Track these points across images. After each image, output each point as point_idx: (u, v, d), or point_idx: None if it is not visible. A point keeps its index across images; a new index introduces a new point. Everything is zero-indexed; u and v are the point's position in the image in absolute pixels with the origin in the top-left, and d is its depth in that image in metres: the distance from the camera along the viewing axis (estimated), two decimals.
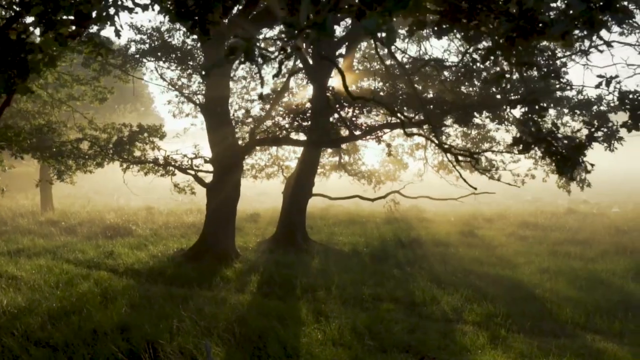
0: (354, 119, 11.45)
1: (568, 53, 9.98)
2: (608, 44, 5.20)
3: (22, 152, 12.55)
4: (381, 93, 11.12)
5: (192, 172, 13.09)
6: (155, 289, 9.77)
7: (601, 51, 7.83)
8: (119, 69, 14.64)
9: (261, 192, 32.43)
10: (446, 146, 10.01)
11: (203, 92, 13.13)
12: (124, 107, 42.94)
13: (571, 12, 2.38)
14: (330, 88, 12.19)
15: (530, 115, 3.57)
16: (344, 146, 20.80)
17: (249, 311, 8.21)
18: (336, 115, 13.04)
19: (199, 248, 12.84)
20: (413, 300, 9.36)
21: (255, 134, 12.79)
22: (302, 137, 13.78)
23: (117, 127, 14.31)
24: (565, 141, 3.66)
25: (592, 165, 4.12)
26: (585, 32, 2.53)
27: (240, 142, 13.61)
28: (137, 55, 14.08)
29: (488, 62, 3.63)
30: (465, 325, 8.11)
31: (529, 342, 7.25)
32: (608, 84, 4.23)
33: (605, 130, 8.51)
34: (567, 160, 3.47)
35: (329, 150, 20.48)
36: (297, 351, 6.50)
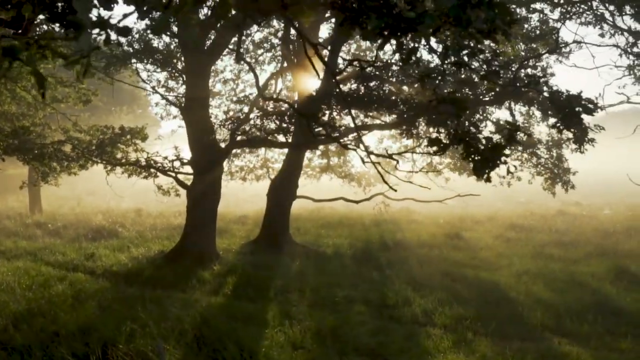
0: (335, 120, 11.43)
1: (545, 52, 9.93)
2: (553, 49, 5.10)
3: (1, 154, 12.57)
4: (354, 94, 11.10)
5: (173, 174, 13.07)
6: (128, 291, 9.75)
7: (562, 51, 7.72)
8: (103, 71, 14.61)
9: (254, 193, 32.40)
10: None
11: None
12: (120, 109, 43.03)
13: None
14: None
15: (451, 114, 3.52)
16: (332, 148, 20.84)
17: (216, 313, 8.18)
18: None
19: (179, 250, 12.82)
20: (385, 303, 9.31)
21: (236, 136, 12.77)
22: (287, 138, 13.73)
23: (100, 129, 14.33)
24: (485, 141, 3.62)
25: (516, 167, 4.04)
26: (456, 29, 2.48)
27: (222, 143, 13.57)
28: (122, 52, 14.05)
29: (411, 62, 3.58)
30: (433, 328, 8.05)
31: (494, 346, 7.19)
32: (536, 83, 4.19)
33: (575, 131, 8.47)
34: (486, 162, 3.42)
35: (318, 152, 20.48)
36: (254, 354, 6.46)
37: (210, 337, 6.90)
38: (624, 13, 11.97)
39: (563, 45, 11.90)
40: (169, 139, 19.00)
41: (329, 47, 14.42)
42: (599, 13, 13.14)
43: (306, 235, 17.11)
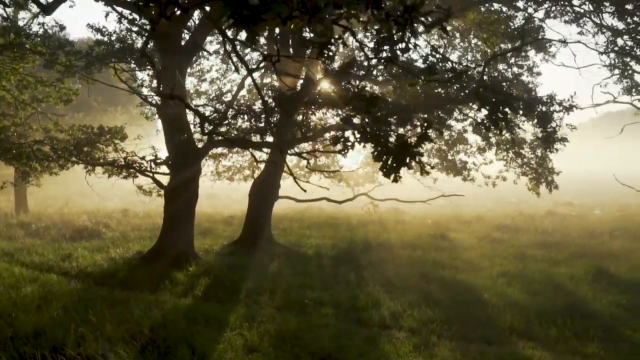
0: (309, 120, 11.32)
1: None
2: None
3: None
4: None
5: (150, 174, 12.96)
6: (98, 292, 9.62)
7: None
8: (83, 71, 14.52)
9: (246, 194, 32.28)
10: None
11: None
12: (115, 109, 42.99)
13: None
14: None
15: (360, 110, 3.38)
16: (320, 148, 20.70)
17: (179, 315, 8.04)
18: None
19: (156, 250, 12.71)
20: (355, 305, 9.17)
21: (214, 136, 12.63)
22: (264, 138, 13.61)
23: (81, 129, 14.24)
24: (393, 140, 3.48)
25: (432, 167, 3.88)
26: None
27: (200, 143, 13.46)
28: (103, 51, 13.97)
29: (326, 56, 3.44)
30: (399, 332, 7.91)
31: (456, 350, 7.05)
32: (458, 77, 4.05)
33: (544, 131, 8.32)
34: (399, 161, 3.28)
35: (304, 152, 20.32)
36: (206, 357, 6.34)
37: (165, 340, 6.79)
38: (603, 11, 11.81)
39: (529, 42, 11.71)
40: (151, 138, 18.91)
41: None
42: (581, 11, 12.98)
43: (290, 236, 17.00)
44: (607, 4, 11.52)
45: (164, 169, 13.34)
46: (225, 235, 17.32)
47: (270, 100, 12.74)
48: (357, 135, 3.36)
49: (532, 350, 7.11)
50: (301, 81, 14.11)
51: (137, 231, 17.23)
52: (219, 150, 18.30)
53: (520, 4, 13.91)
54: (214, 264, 12.38)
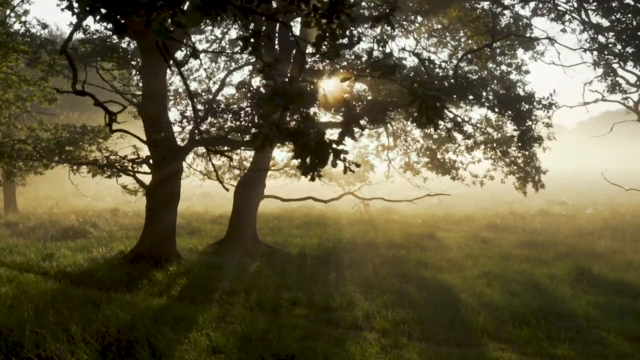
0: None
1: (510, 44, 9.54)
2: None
3: None
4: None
5: (131, 173, 12.89)
6: (73, 293, 9.57)
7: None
8: (67, 70, 14.45)
9: None
10: None
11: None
12: (110, 108, 42.93)
13: None
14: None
15: (280, 107, 3.30)
16: None
17: (148, 316, 7.96)
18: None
19: (138, 250, 12.64)
20: (329, 306, 9.07)
21: (196, 134, 12.56)
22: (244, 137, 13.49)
23: (65, 128, 14.20)
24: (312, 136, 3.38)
25: (358, 165, 3.80)
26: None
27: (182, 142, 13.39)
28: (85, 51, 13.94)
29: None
30: (370, 332, 7.82)
31: (424, 351, 6.96)
32: (390, 72, 3.96)
33: (517, 130, 8.19)
34: (319, 160, 3.20)
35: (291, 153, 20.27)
36: (167, 358, 6.26)
37: (129, 341, 6.71)
38: (587, 8, 11.66)
39: (499, 39, 11.55)
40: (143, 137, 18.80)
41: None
42: (566, 8, 12.84)
43: (278, 236, 16.92)
44: (591, 0, 11.39)
45: (147, 168, 13.28)
46: (212, 234, 17.27)
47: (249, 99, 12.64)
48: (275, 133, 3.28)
49: (501, 352, 7.01)
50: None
51: (123, 230, 17.18)
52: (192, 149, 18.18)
53: (506, 1, 13.77)
54: (195, 263, 12.31)
